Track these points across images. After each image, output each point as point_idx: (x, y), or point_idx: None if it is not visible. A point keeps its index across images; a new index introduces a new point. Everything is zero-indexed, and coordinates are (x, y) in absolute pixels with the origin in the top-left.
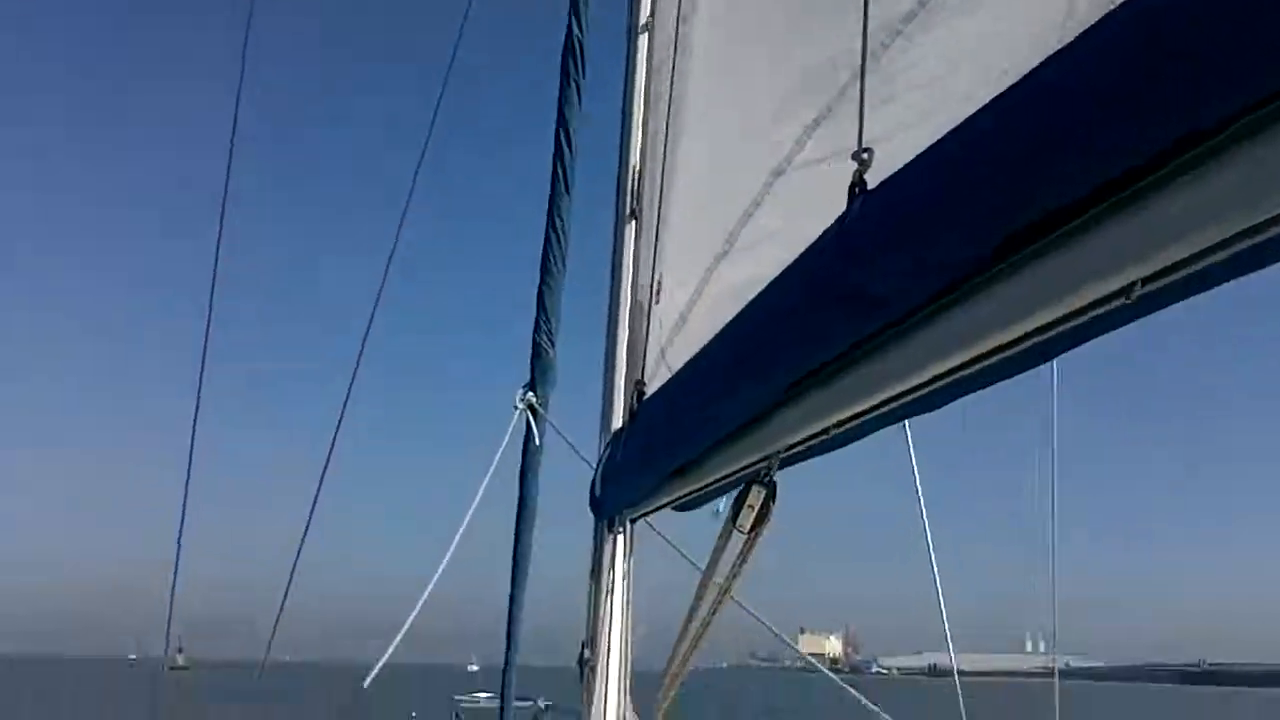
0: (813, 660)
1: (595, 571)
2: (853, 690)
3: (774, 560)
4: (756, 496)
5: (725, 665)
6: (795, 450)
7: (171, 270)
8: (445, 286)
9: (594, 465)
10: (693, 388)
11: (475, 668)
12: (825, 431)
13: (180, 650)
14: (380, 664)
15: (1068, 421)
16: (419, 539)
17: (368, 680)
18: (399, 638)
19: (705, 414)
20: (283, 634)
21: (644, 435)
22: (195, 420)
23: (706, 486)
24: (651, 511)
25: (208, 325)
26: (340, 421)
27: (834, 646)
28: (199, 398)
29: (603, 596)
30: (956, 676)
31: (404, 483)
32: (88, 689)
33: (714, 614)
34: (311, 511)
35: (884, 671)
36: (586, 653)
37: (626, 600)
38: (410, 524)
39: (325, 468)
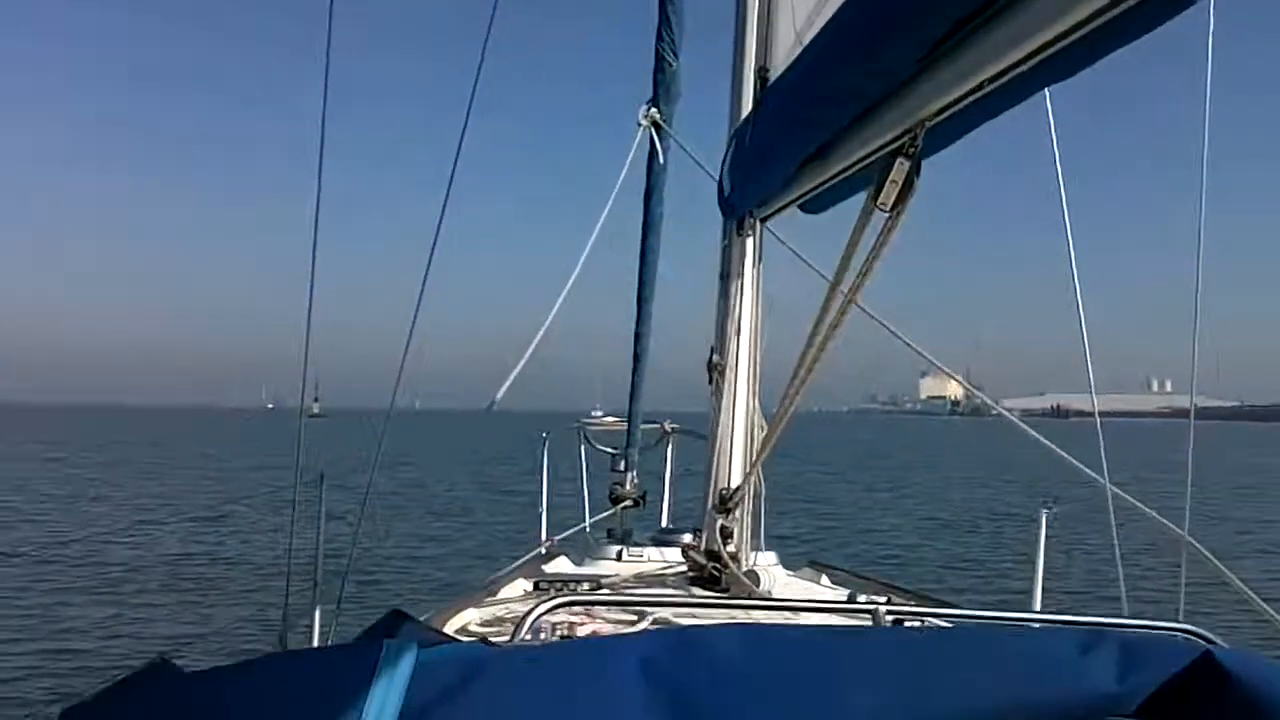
0: (934, 402)
1: (725, 275)
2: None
3: (896, 299)
4: (900, 170)
5: (846, 409)
6: (939, 119)
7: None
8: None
9: (723, 187)
10: (828, 59)
11: (599, 413)
12: (970, 94)
13: (316, 399)
14: (509, 380)
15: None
16: (542, 285)
17: (498, 395)
18: (529, 352)
19: (842, 85)
20: (412, 383)
21: (775, 118)
22: (321, 155)
23: (843, 171)
24: (782, 208)
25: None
26: (456, 161)
27: (956, 389)
28: (323, 136)
29: (732, 300)
30: (1097, 414)
31: (528, 224)
32: (241, 433)
33: (845, 311)
34: (431, 255)
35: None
36: (715, 357)
37: (756, 302)
38: (533, 268)
39: (443, 210)
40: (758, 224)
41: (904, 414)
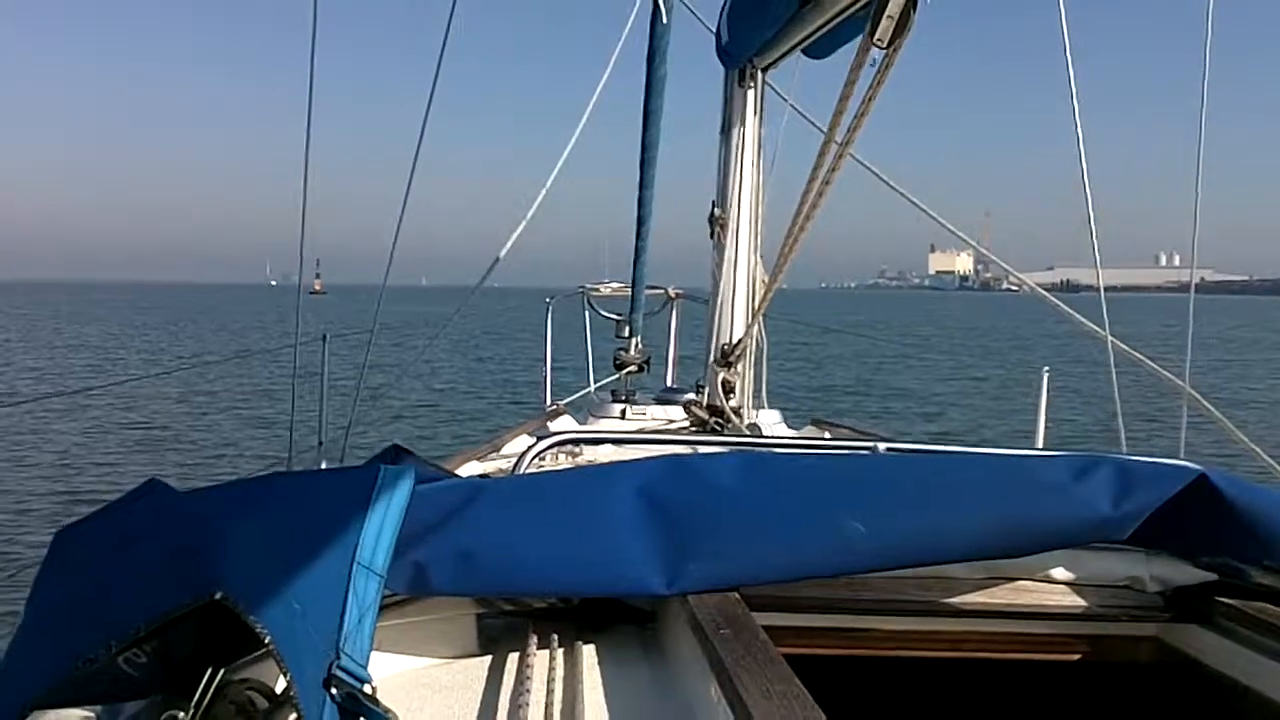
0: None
1: (725, 128)
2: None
3: (902, 171)
4: (896, 4)
5: (853, 285)
6: None
7: None
8: None
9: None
10: None
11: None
12: None
13: (318, 276)
14: (516, 233)
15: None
16: (538, 159)
17: (501, 252)
18: (529, 215)
19: None
20: (417, 262)
21: None
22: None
23: (841, 11)
24: (783, 56)
25: None
26: (446, 36)
27: (964, 263)
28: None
29: (733, 152)
30: (1100, 283)
31: (531, 98)
32: (245, 309)
33: (840, 158)
34: (422, 132)
35: (1014, 289)
36: (717, 210)
37: (757, 154)
38: (538, 141)
39: (434, 86)
40: (759, 74)
41: (912, 289)
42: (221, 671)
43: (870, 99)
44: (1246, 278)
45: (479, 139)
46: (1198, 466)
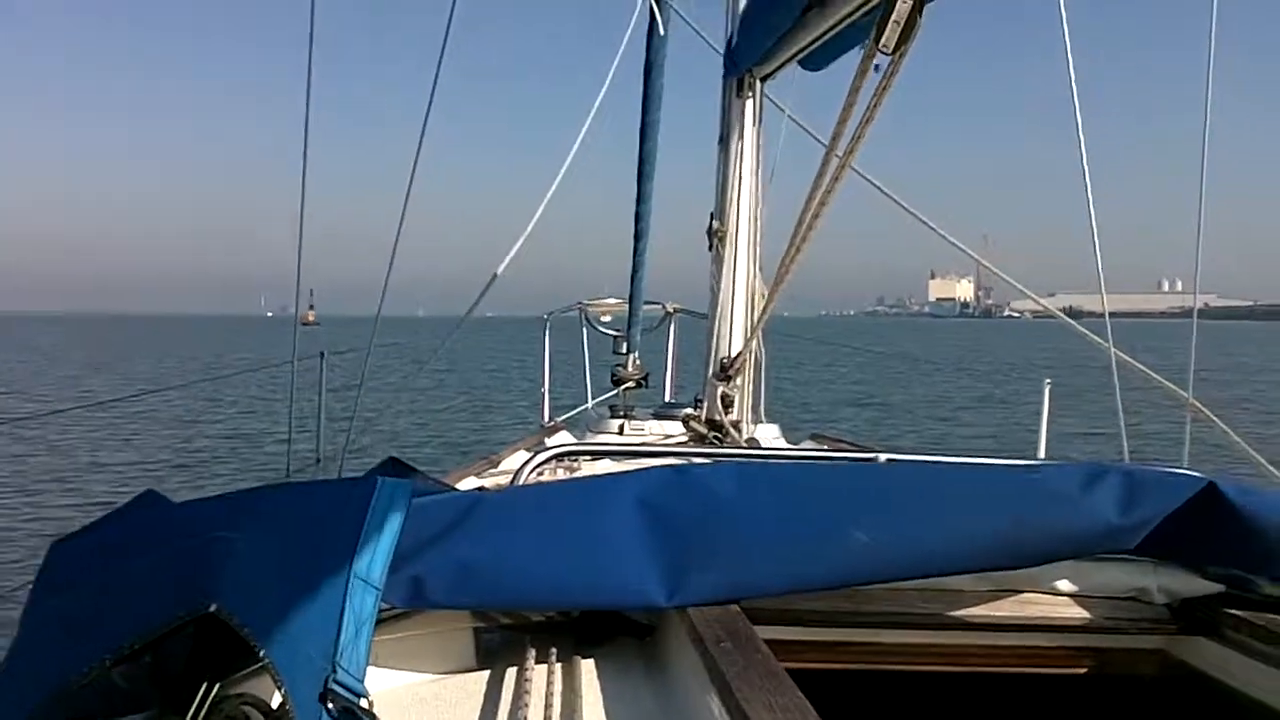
0: (943, 304)
1: (724, 138)
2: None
3: (902, 190)
4: (903, 9)
5: (852, 313)
6: None
7: None
8: None
9: (720, 52)
10: None
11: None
12: None
13: (311, 307)
14: (514, 250)
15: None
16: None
17: (499, 269)
18: (529, 228)
19: None
20: (414, 292)
21: None
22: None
23: (844, 19)
24: (782, 65)
25: None
26: (441, 56)
27: (965, 290)
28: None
29: (732, 163)
30: (1105, 307)
31: (527, 114)
32: (242, 339)
33: (842, 170)
34: (415, 162)
35: (1016, 315)
36: (716, 223)
37: (757, 165)
38: (529, 161)
39: (428, 110)
40: (757, 84)
41: (911, 316)
42: (217, 686)
43: (874, 108)
44: (1251, 303)
45: (478, 166)
46: (1205, 475)
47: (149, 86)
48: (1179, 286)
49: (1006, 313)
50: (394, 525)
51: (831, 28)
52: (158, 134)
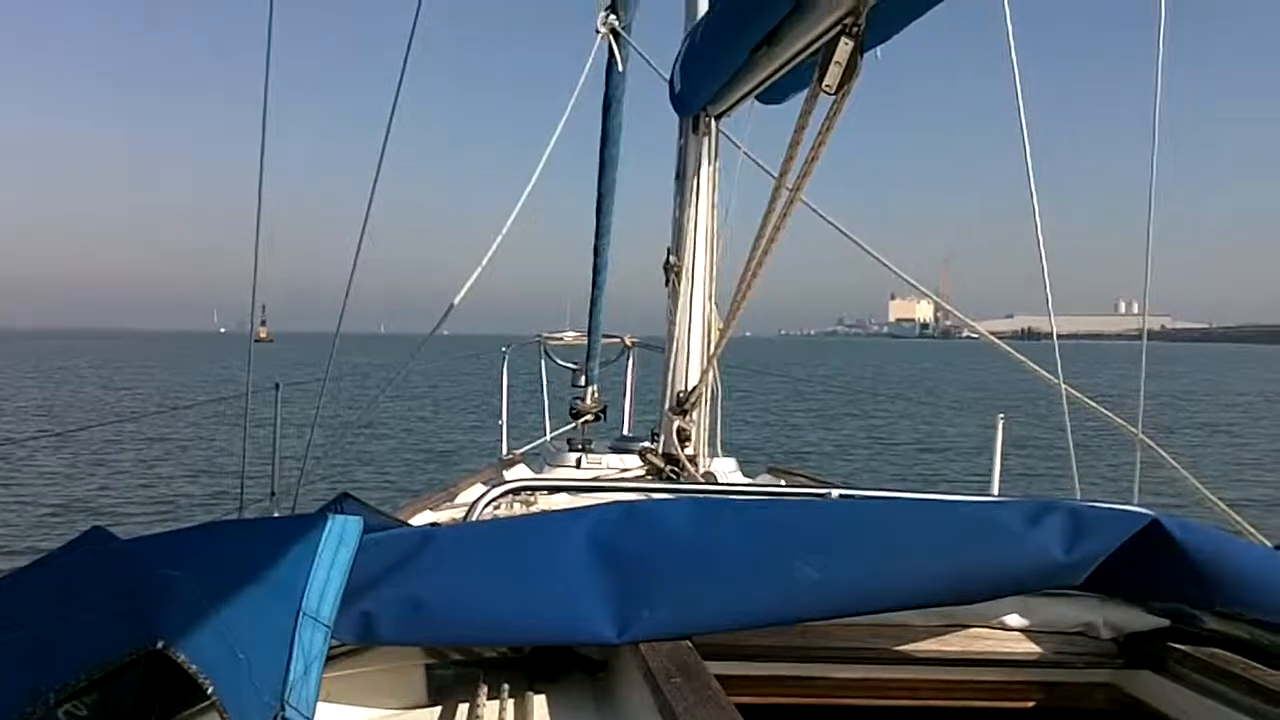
0: (903, 325)
1: (680, 175)
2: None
3: (862, 215)
4: (844, 50)
5: (812, 333)
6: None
7: None
8: None
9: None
10: None
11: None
12: None
13: (264, 323)
14: (470, 281)
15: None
16: (497, 207)
17: (457, 298)
18: (486, 259)
19: None
20: (367, 308)
21: (725, 7)
22: (267, 77)
23: (793, 58)
24: (736, 103)
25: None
26: (401, 80)
27: (925, 311)
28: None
29: (688, 199)
30: (1054, 328)
31: (483, 140)
32: (194, 355)
33: (791, 204)
34: (375, 180)
35: (975, 337)
36: (672, 258)
37: (712, 201)
38: (488, 187)
39: (388, 132)
40: (712, 122)
41: (870, 336)
42: None
43: (820, 144)
44: (1206, 325)
45: (441, 183)
46: (1150, 512)
47: (92, 88)
48: (1135, 309)
49: (965, 334)
50: (344, 562)
51: (779, 69)
52: (100, 140)
